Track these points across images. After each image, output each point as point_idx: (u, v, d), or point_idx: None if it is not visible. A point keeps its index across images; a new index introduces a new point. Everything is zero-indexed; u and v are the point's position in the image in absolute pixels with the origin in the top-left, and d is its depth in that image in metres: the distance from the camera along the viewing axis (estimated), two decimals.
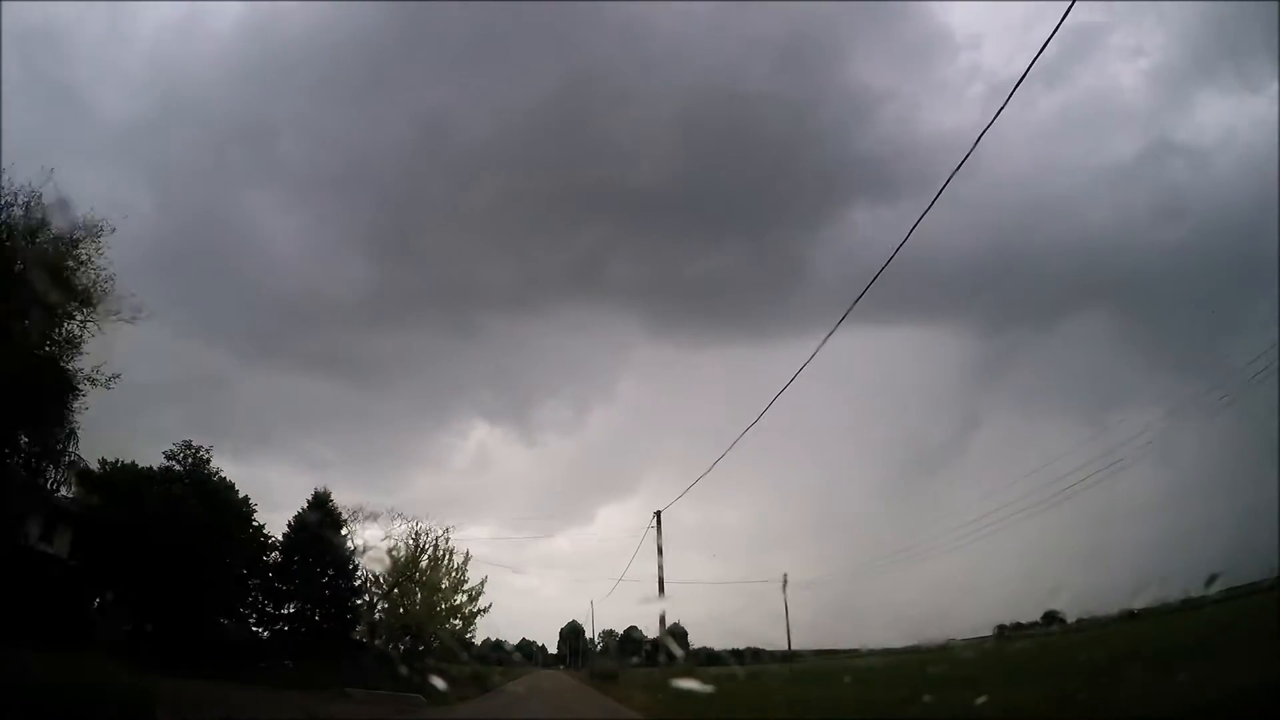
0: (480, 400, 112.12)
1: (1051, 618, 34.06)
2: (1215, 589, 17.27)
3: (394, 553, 38.62)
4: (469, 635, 44.06)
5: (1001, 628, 34.45)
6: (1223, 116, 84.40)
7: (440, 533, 40.00)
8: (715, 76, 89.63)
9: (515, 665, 60.02)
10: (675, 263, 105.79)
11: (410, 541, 39.11)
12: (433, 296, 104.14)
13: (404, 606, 38.66)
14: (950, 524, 75.68)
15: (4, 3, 30.95)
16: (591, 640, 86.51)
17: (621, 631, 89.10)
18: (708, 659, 41.16)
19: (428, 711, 26.82)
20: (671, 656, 40.16)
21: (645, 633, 69.43)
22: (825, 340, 17.96)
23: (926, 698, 17.16)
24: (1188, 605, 20.67)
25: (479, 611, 41.74)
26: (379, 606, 38.66)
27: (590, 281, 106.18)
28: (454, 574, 40.55)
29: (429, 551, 39.56)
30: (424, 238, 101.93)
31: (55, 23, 75.39)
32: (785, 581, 53.24)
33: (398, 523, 38.65)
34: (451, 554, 40.41)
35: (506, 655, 51.86)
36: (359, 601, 37.67)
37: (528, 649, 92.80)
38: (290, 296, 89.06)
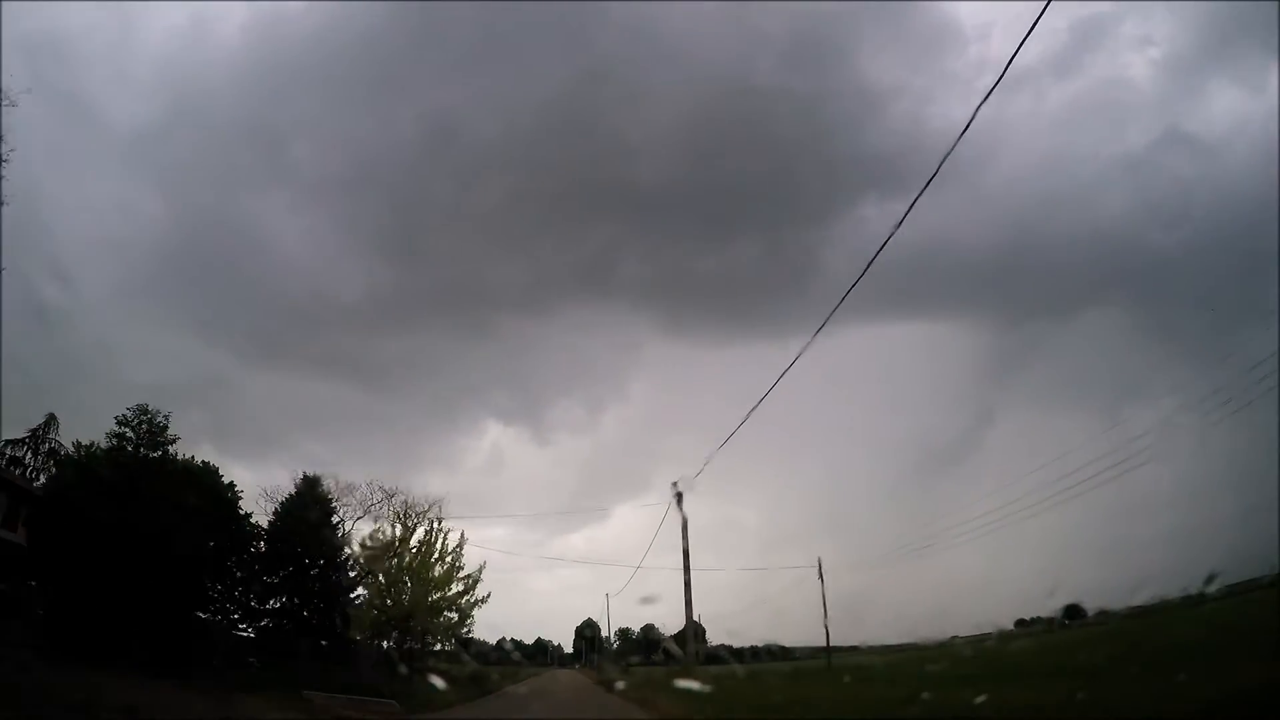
0: (493, 401, 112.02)
1: (1074, 612, 32.31)
2: (1214, 587, 16.34)
3: (379, 534, 35.24)
4: (466, 630, 38.55)
5: (1022, 621, 33.17)
6: (1235, 105, 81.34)
7: (426, 508, 36.05)
8: (724, 73, 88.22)
9: (520, 665, 57.00)
10: (686, 260, 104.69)
11: (396, 523, 35.79)
12: (443, 298, 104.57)
13: (390, 597, 35.00)
14: (963, 519, 73.31)
15: (5, 3, 30.17)
16: (607, 638, 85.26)
17: (639, 629, 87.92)
18: (708, 658, 39.24)
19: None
20: (698, 655, 37.03)
21: (663, 630, 67.71)
22: (823, 324, 17.35)
23: (925, 694, 16.33)
24: (1188, 602, 19.43)
25: (476, 602, 36.77)
26: (360, 596, 35.95)
27: (601, 281, 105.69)
28: (447, 558, 35.86)
29: (417, 534, 35.77)
30: (433, 239, 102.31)
31: (63, 30, 76.85)
32: (820, 569, 49.64)
33: (378, 495, 35.57)
34: (445, 535, 36.02)
35: (506, 655, 49.38)
36: (351, 595, 35.46)
37: (543, 648, 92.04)
38: (300, 299, 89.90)
